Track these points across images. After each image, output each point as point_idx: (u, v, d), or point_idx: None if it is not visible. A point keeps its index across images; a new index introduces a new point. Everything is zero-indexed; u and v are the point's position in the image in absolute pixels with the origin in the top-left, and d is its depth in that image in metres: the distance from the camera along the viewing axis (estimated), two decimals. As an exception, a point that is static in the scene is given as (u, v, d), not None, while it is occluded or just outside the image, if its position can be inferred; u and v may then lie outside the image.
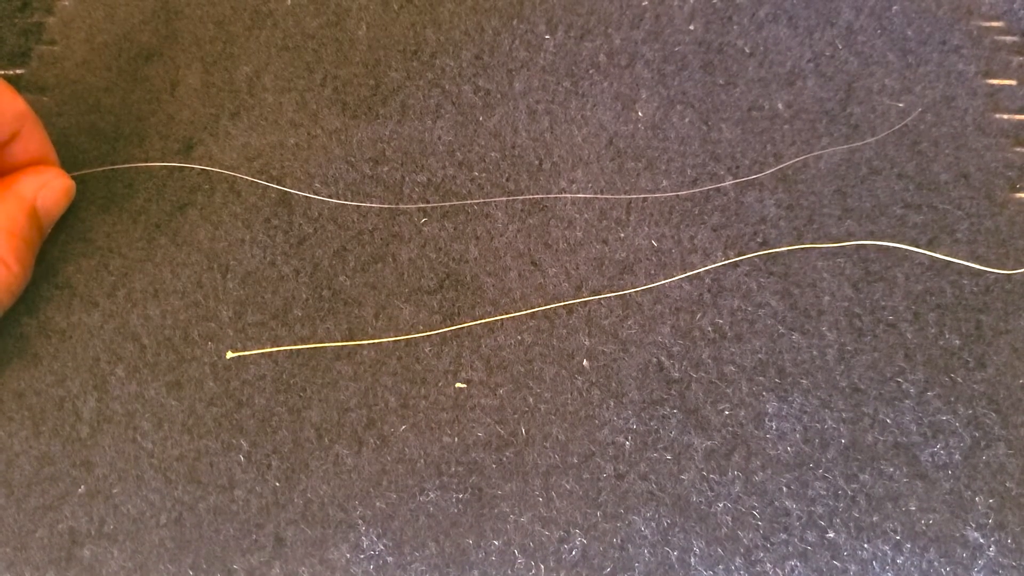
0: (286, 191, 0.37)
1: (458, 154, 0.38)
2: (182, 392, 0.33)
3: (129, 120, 0.40)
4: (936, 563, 0.30)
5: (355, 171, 0.38)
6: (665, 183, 0.37)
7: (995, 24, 0.41)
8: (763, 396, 0.33)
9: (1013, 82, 0.39)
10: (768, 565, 0.30)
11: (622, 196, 0.36)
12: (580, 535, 0.31)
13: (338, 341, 0.34)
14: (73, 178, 0.36)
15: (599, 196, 0.36)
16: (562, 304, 0.34)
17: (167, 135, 0.39)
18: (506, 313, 0.34)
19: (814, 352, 0.33)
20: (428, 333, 0.34)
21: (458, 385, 0.33)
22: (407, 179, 0.37)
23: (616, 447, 0.32)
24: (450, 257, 0.36)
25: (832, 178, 0.37)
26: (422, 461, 0.32)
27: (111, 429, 0.33)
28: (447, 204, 0.37)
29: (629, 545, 0.30)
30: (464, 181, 0.37)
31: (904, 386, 0.33)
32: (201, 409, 0.33)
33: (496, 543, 0.31)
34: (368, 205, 0.37)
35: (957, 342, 0.33)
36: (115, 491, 0.32)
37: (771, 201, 0.36)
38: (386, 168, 0.38)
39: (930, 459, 0.31)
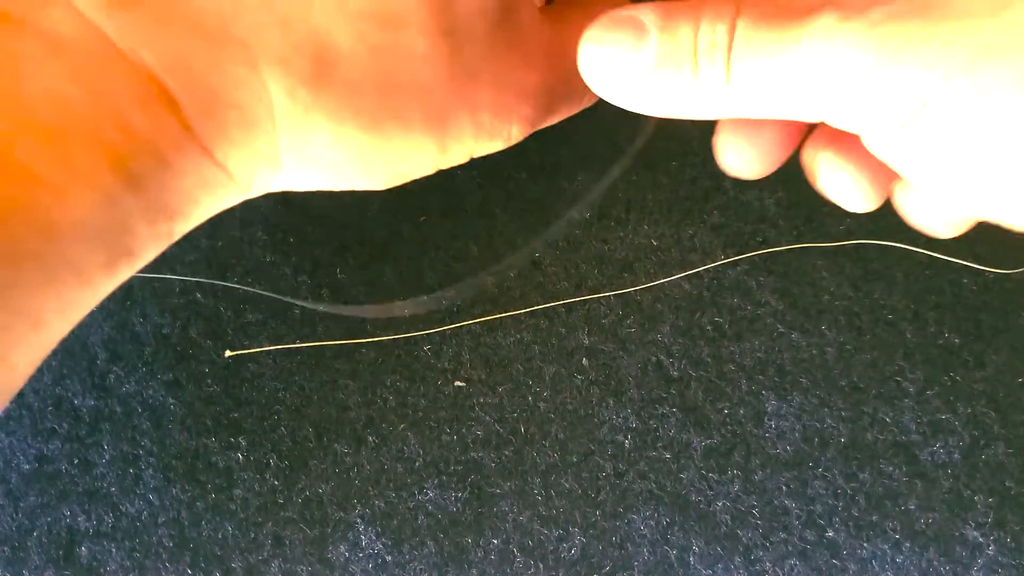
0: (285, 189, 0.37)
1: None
2: (181, 391, 0.33)
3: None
4: (935, 562, 0.30)
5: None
6: (664, 181, 0.37)
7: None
8: (762, 395, 0.33)
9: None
10: (767, 564, 0.30)
11: (620, 194, 0.36)
12: (579, 534, 0.31)
13: (337, 339, 0.34)
14: None
15: (598, 194, 0.36)
16: (561, 303, 0.34)
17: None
18: (505, 311, 0.34)
19: (813, 351, 0.33)
20: (427, 331, 0.34)
21: (457, 384, 0.33)
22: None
23: (615, 446, 0.32)
24: (449, 255, 0.36)
25: (832, 177, 0.37)
26: (421, 460, 0.32)
27: (110, 428, 0.33)
28: (447, 203, 0.37)
29: (628, 544, 0.30)
30: (464, 179, 0.37)
31: (903, 385, 0.33)
32: (200, 408, 0.33)
33: (495, 542, 0.31)
34: (367, 205, 0.37)
35: (957, 341, 0.33)
36: (114, 490, 0.32)
37: (771, 200, 0.36)
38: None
39: (929, 458, 0.31)
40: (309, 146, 0.18)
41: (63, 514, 0.31)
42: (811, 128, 0.20)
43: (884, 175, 0.20)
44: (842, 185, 0.20)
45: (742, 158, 0.20)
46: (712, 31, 0.16)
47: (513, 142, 0.22)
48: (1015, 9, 0.14)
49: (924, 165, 0.17)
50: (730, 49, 0.16)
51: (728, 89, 0.17)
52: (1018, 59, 0.14)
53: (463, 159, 0.22)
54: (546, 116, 0.21)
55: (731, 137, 0.20)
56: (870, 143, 0.17)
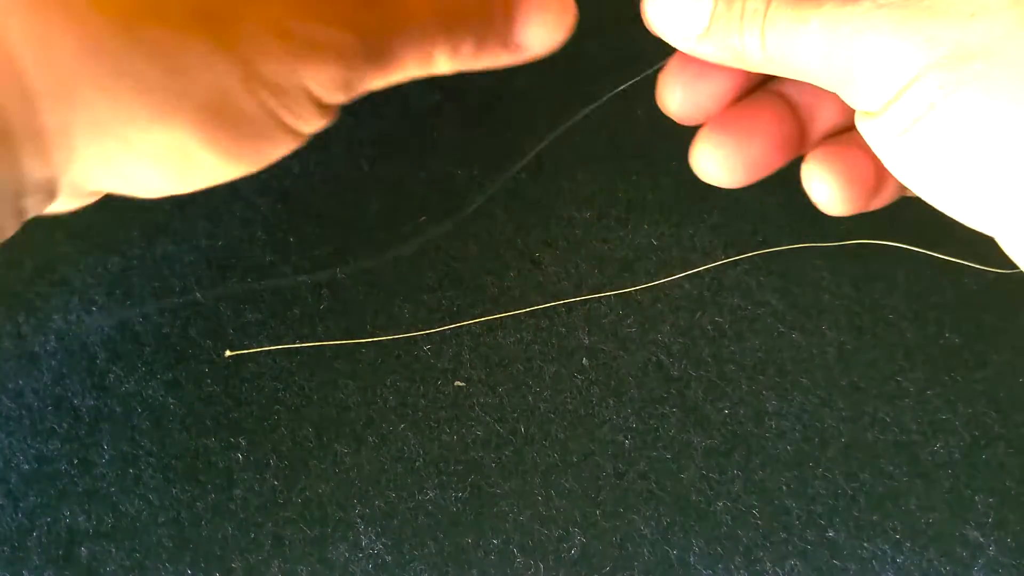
0: (286, 189, 0.37)
1: (459, 152, 0.38)
2: (181, 391, 0.33)
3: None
4: (936, 562, 0.30)
5: (355, 169, 0.38)
6: (665, 181, 0.37)
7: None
8: (763, 394, 0.33)
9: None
10: (768, 564, 0.30)
11: (621, 194, 0.36)
12: (579, 534, 0.31)
13: (337, 339, 0.34)
14: None
15: (598, 194, 0.36)
16: (561, 302, 0.34)
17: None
18: (505, 311, 0.34)
19: (814, 350, 0.33)
20: (427, 331, 0.34)
21: (457, 383, 0.33)
22: (407, 176, 0.37)
23: (616, 445, 0.32)
24: (449, 255, 0.36)
25: (832, 176, 0.37)
26: (421, 460, 0.32)
27: (109, 428, 0.33)
28: (446, 204, 0.37)
29: (628, 544, 0.30)
30: (463, 179, 0.37)
31: (904, 384, 0.33)
32: (200, 408, 0.33)
33: (495, 542, 0.31)
34: (367, 205, 0.37)
35: (957, 340, 0.33)
36: (113, 490, 0.32)
37: (771, 200, 0.36)
38: (386, 165, 0.38)
39: (930, 457, 0.31)
40: (53, 54, 0.14)
41: (63, 514, 0.31)
42: (750, 90, 0.24)
43: (764, 155, 0.24)
44: (708, 157, 0.24)
45: (675, 96, 0.24)
46: (754, 3, 0.19)
47: (352, 80, 0.19)
48: (986, 17, 0.16)
49: (899, 152, 0.18)
50: (764, 21, 0.19)
51: (763, 52, 0.20)
52: (987, 64, 0.16)
53: (302, 99, 0.18)
54: (378, 46, 0.19)
55: (674, 77, 0.23)
56: (857, 123, 0.19)
